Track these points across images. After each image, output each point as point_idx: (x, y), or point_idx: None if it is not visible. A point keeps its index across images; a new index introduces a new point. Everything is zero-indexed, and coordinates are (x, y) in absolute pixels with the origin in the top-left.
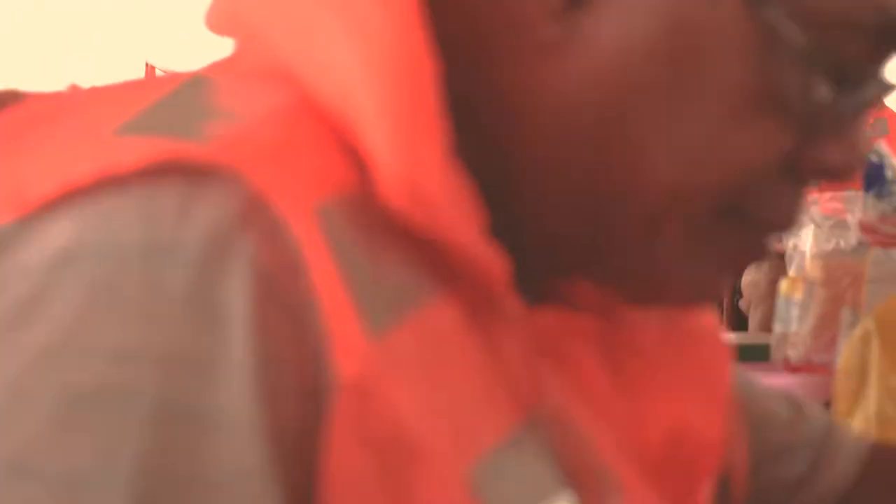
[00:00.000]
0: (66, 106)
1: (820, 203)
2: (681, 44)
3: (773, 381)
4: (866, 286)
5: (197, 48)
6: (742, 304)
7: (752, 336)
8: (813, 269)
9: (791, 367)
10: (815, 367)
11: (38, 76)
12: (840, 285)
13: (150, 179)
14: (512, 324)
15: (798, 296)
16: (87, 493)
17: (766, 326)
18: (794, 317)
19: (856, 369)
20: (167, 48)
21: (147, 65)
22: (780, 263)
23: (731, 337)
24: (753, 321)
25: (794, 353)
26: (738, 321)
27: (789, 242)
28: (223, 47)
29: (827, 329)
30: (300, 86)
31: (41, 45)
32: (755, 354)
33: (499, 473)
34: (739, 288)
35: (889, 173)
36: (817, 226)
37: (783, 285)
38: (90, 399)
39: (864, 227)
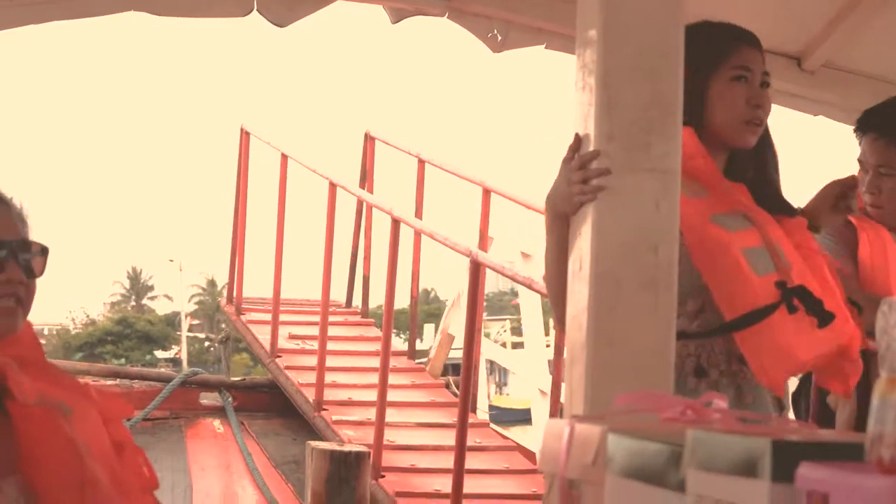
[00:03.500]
0: None
1: None
2: None
3: (867, 482)
4: None
5: (287, 115)
6: (830, 399)
7: (846, 435)
8: None
9: (885, 469)
10: None
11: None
12: None
13: None
14: None
15: (895, 396)
16: None
17: (853, 423)
18: (890, 417)
19: None
20: (263, 115)
21: (242, 129)
22: (870, 361)
23: (823, 434)
24: (841, 417)
25: (888, 454)
26: (826, 417)
27: (882, 342)
28: (315, 115)
29: None
30: None
31: (145, 101)
32: (849, 454)
33: None
34: None
35: None
36: None
37: (879, 384)
38: None
39: None
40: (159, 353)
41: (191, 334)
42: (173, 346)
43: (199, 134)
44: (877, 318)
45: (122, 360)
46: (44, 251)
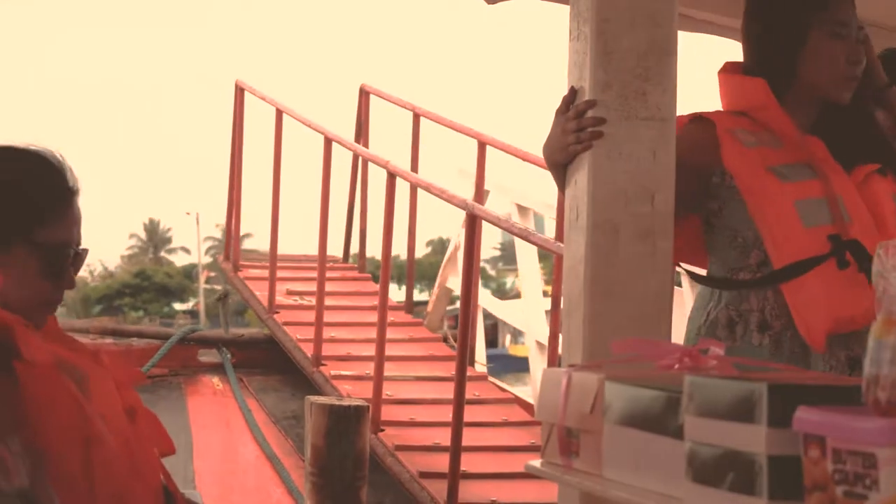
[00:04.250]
0: None
1: None
2: None
3: (864, 423)
4: None
5: (283, 68)
6: None
7: (843, 378)
8: None
9: (881, 410)
10: None
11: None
12: None
13: None
14: None
15: (890, 338)
16: None
17: None
18: (885, 359)
19: None
20: (256, 68)
21: (237, 84)
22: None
23: (820, 377)
24: None
25: (884, 396)
26: None
27: (879, 285)
28: (305, 66)
29: None
30: None
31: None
32: (846, 397)
33: None
34: None
35: None
36: None
37: (875, 327)
38: None
39: None
40: (177, 306)
41: (208, 286)
42: (191, 299)
43: (215, 86)
44: (873, 262)
45: (141, 313)
46: (85, 253)
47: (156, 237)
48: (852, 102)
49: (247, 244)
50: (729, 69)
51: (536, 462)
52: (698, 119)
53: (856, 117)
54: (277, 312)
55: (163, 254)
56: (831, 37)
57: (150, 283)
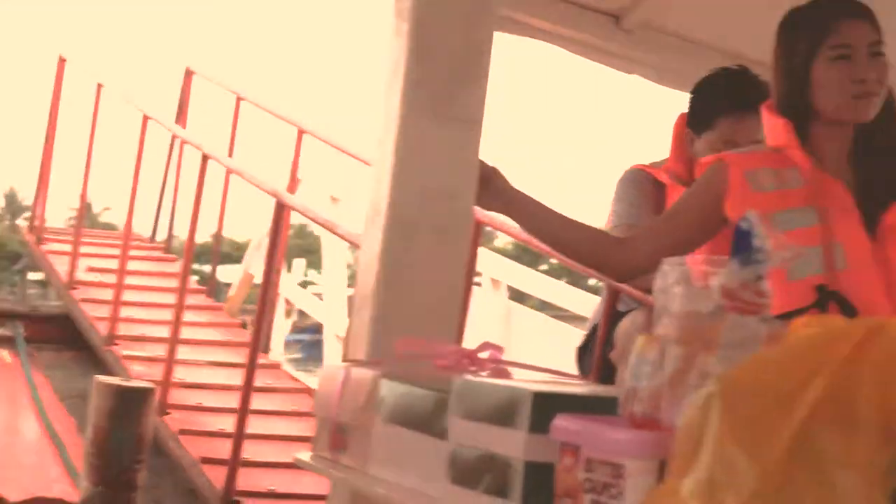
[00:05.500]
0: None
1: (693, 266)
2: None
3: (616, 435)
4: (718, 351)
5: (235, 54)
6: (612, 355)
7: (601, 388)
8: (668, 328)
9: (636, 423)
10: (659, 425)
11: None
12: (692, 347)
13: None
14: None
15: (651, 354)
16: None
17: None
18: (644, 373)
19: (694, 432)
20: (207, 54)
21: (60, 57)
22: (653, 318)
23: (582, 388)
24: (622, 373)
25: (639, 409)
26: (608, 373)
27: (659, 300)
28: (261, 53)
29: (675, 389)
30: None
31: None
32: (606, 407)
33: None
34: (612, 339)
35: (756, 241)
36: (688, 286)
37: (638, 343)
38: None
39: (725, 293)
40: (31, 275)
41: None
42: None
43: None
44: (656, 278)
45: None
46: None
47: (14, 205)
48: (886, 135)
49: (106, 217)
50: (768, 106)
51: (306, 454)
52: (718, 161)
53: (888, 150)
54: (76, 288)
55: (19, 222)
56: (833, 61)
57: (4, 251)
